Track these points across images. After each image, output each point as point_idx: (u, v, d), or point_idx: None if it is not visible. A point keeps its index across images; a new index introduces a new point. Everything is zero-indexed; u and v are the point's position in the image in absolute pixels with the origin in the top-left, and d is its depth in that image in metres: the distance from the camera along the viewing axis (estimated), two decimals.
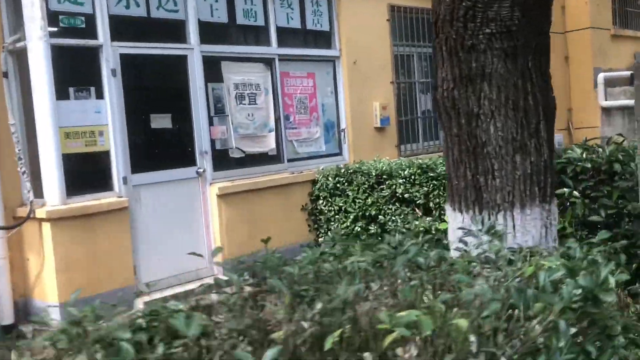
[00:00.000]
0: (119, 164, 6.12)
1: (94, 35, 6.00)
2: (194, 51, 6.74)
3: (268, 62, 7.49)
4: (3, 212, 5.79)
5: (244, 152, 7.19)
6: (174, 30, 6.70)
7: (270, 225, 7.19)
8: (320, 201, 7.56)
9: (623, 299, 3.01)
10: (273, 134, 7.47)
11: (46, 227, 5.63)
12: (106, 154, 6.09)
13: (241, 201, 6.95)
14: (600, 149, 4.62)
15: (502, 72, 3.12)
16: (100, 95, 6.03)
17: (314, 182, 7.64)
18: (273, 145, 7.47)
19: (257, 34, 7.52)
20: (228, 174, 7.02)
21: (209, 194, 6.80)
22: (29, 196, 5.77)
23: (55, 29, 5.75)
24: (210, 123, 6.89)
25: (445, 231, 6.41)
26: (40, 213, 5.61)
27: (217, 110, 6.97)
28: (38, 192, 5.78)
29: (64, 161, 5.77)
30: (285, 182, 7.41)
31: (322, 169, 7.59)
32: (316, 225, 7.66)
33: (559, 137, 11.02)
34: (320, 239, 7.61)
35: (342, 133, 8.32)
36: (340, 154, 8.36)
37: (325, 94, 8.18)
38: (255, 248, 6.99)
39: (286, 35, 7.76)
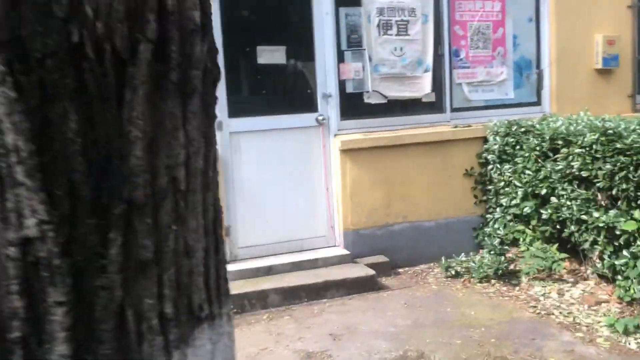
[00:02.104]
0: None
1: None
2: None
3: None
4: None
5: (385, 96, 5.63)
6: None
7: (416, 192, 5.63)
8: (490, 166, 5.68)
9: None
10: (430, 74, 5.73)
11: None
12: None
13: (375, 159, 5.48)
14: None
15: None
16: None
17: (485, 139, 5.77)
18: (429, 89, 5.75)
19: None
20: (360, 123, 5.57)
21: (332, 147, 5.47)
22: None
23: None
24: (340, 59, 5.46)
25: (634, 233, 4.18)
26: None
27: (351, 43, 5.50)
28: None
29: None
30: (442, 138, 5.69)
31: (495, 124, 5.65)
32: (485, 197, 5.82)
33: None
34: (488, 215, 5.77)
35: (540, 75, 6.15)
36: (537, 103, 6.22)
37: (519, 21, 6.06)
38: (391, 219, 5.62)
39: None
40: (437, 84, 5.79)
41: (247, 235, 5.33)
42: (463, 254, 5.55)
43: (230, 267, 5.13)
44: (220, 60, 5.02)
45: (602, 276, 4.64)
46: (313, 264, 5.27)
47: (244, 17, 5.25)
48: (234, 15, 5.14)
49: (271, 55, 5.28)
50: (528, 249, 5.09)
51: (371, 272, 5.15)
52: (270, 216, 5.37)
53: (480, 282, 5.10)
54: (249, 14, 5.28)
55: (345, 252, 5.42)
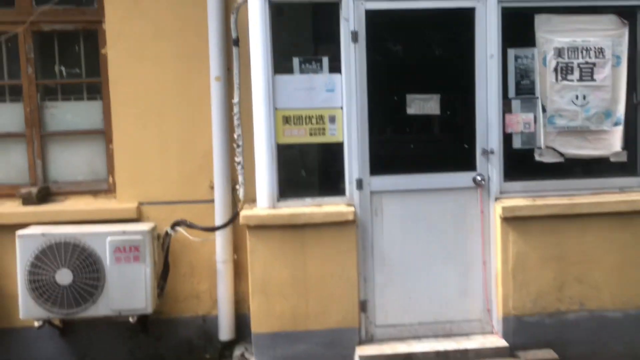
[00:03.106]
0: (352, 162, 4.50)
1: None
2: (488, 1, 4.52)
3: (627, 13, 4.65)
4: (225, 207, 4.88)
5: (562, 154, 4.64)
6: None
7: (597, 274, 4.59)
8: None
9: None
10: (621, 128, 4.65)
11: (250, 234, 4.46)
12: (337, 148, 4.52)
13: (545, 230, 4.51)
14: None
15: None
16: (335, 67, 4.48)
17: None
18: (619, 147, 4.67)
19: None
20: (528, 186, 4.62)
21: (491, 213, 4.57)
22: (239, 192, 4.71)
23: None
24: (506, 109, 4.59)
25: None
26: (243, 217, 4.47)
27: (520, 90, 4.61)
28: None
29: (279, 153, 4.49)
30: (636, 208, 4.57)
31: None
32: None
33: None
34: None
35: None
36: None
37: None
38: (564, 305, 4.60)
39: None
40: (631, 141, 4.70)
41: (387, 312, 4.59)
42: None
43: (364, 351, 4.41)
44: (365, 109, 4.42)
45: None
46: (462, 356, 4.37)
47: (392, 61, 4.60)
48: (381, 60, 4.51)
49: (422, 104, 4.55)
50: None
51: None
52: (414, 291, 4.58)
53: None
54: (397, 59, 4.62)
55: (504, 343, 4.46)
